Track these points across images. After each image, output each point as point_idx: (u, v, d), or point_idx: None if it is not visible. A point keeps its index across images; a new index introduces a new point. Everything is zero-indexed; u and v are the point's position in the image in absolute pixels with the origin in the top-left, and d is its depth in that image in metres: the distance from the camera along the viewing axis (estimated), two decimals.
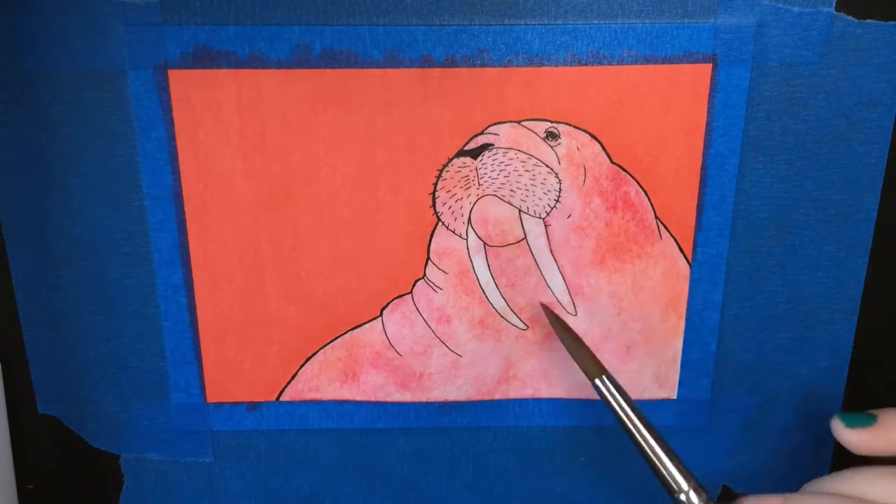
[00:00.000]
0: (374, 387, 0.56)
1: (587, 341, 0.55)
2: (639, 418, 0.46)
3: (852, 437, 0.42)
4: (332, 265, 0.53)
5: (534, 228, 0.52)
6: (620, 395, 0.46)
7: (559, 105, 0.49)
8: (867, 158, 0.51)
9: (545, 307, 0.53)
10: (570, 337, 0.50)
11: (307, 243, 0.52)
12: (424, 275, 0.53)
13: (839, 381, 0.57)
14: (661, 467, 0.44)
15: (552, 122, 0.50)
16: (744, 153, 0.51)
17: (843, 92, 0.49)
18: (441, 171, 0.51)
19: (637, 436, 0.45)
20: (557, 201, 0.51)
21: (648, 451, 0.45)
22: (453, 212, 0.52)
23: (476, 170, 0.50)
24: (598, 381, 0.47)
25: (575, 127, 0.50)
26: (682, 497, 0.43)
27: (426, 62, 0.48)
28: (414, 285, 0.54)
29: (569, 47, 0.48)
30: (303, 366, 0.56)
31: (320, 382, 0.56)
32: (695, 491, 0.43)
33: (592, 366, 0.48)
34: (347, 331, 0.55)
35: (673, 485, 0.44)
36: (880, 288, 0.54)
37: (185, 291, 0.53)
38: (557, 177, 0.51)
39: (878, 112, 0.50)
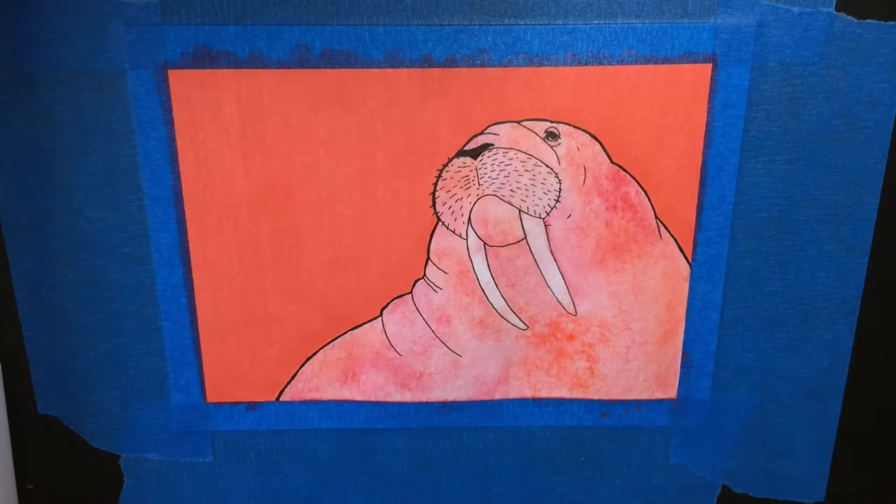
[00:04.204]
0: (374, 387, 0.56)
1: (587, 341, 0.55)
2: None
3: None
4: (332, 265, 0.53)
5: (534, 228, 0.52)
6: None
7: (559, 105, 0.49)
8: (867, 158, 0.51)
9: None
10: None
11: (307, 243, 0.52)
12: (424, 275, 0.53)
13: (839, 381, 0.57)
14: None
15: (552, 122, 0.50)
16: (744, 153, 0.51)
17: (843, 92, 0.49)
18: (441, 171, 0.51)
19: None
20: (557, 201, 0.51)
21: None
22: (453, 212, 0.52)
23: (476, 170, 0.50)
24: None
25: (575, 127, 0.50)
26: None
27: (426, 62, 0.48)
28: (414, 285, 0.54)
29: (569, 47, 0.48)
30: (303, 366, 0.56)
31: (320, 382, 0.56)
32: None
33: None
34: (347, 331, 0.55)
35: None
36: (880, 288, 0.54)
37: (185, 291, 0.53)
38: (557, 177, 0.51)
39: (878, 112, 0.50)
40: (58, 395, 0.56)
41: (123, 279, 0.53)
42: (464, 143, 0.50)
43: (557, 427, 0.58)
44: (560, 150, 0.50)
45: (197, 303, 0.54)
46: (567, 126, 0.50)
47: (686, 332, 0.55)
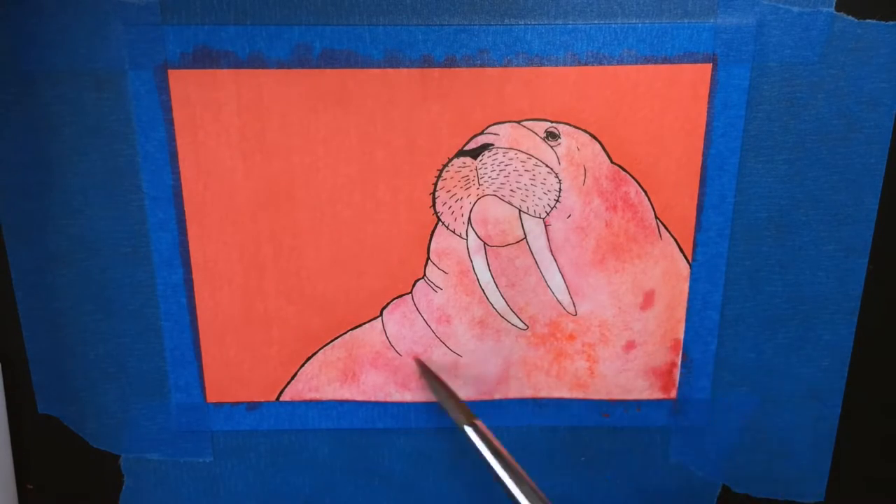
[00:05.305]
0: (374, 387, 0.56)
1: (587, 341, 0.55)
2: (505, 464, 0.46)
3: None
4: (332, 265, 0.53)
5: (534, 228, 0.52)
6: (486, 443, 0.47)
7: (559, 105, 0.49)
8: (867, 158, 0.51)
9: (419, 361, 0.55)
10: (440, 388, 0.53)
11: (307, 243, 0.52)
12: (424, 275, 0.53)
13: (839, 381, 0.57)
14: None
15: (552, 122, 0.50)
16: (744, 153, 0.51)
17: (843, 92, 0.49)
18: (441, 171, 0.51)
19: (504, 479, 0.46)
20: (557, 201, 0.51)
21: (515, 494, 0.45)
22: (453, 212, 0.52)
23: (476, 170, 0.50)
24: (467, 429, 0.48)
25: (575, 127, 0.50)
26: None
27: (426, 62, 0.48)
28: (414, 285, 0.54)
29: (569, 47, 0.48)
30: (303, 366, 0.56)
31: (320, 382, 0.56)
32: None
33: (462, 415, 0.49)
34: (347, 331, 0.55)
35: None
36: (880, 288, 0.54)
37: (185, 291, 0.53)
38: (557, 177, 0.51)
39: (878, 112, 0.50)
40: (58, 395, 0.56)
41: (123, 279, 0.53)
42: (464, 143, 0.50)
43: (557, 427, 0.58)
44: (560, 150, 0.50)
45: (197, 303, 0.54)
46: (567, 126, 0.50)
47: (686, 332, 0.55)
